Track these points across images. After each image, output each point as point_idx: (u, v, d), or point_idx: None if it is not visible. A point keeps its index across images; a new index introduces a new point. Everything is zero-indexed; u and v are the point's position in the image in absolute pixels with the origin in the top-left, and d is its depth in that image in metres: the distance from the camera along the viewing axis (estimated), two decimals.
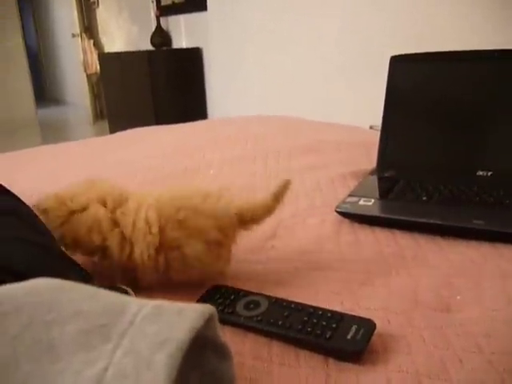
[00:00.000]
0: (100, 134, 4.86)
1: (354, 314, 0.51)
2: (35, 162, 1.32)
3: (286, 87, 2.86)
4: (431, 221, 0.71)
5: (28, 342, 0.19)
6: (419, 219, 0.72)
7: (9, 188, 0.55)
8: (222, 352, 0.23)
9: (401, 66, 1.00)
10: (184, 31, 3.88)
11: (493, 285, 0.57)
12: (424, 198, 0.79)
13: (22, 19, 6.02)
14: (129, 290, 0.45)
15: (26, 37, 6.20)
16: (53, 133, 5.59)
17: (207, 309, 0.22)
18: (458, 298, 0.55)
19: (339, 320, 0.48)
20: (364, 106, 2.38)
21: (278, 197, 0.64)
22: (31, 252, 0.40)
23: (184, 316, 0.21)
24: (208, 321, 0.22)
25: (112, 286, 0.46)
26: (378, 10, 2.20)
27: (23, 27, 6.09)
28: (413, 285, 0.58)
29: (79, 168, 1.18)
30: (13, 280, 0.32)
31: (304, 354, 0.47)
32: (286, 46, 2.79)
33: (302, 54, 2.70)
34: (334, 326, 0.48)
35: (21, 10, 6.02)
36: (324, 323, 0.48)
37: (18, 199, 0.53)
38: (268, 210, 0.63)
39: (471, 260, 0.63)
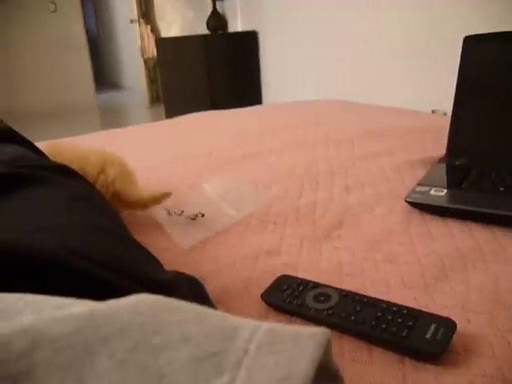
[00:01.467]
0: (156, 117, 4.95)
1: (430, 311, 0.48)
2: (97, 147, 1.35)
3: (343, 71, 2.79)
4: (510, 213, 0.66)
5: (135, 368, 0.17)
6: (497, 211, 0.68)
7: None
8: (334, 379, 0.21)
9: (475, 46, 0.94)
10: (240, 15, 3.85)
11: None
12: (501, 189, 0.74)
13: (82, 7, 6.19)
14: (199, 278, 0.45)
15: (86, 23, 6.38)
16: (111, 116, 5.75)
17: (324, 335, 0.20)
18: None
19: (416, 318, 0.46)
20: (425, 90, 2.28)
21: (155, 200, 0.75)
22: (107, 238, 0.40)
23: (302, 345, 0.19)
24: (326, 347, 0.20)
25: (182, 274, 0.45)
26: None
27: (84, 14, 6.27)
28: (492, 282, 0.54)
29: (139, 154, 1.19)
30: (86, 265, 0.32)
31: (377, 352, 0.45)
32: (343, 29, 2.71)
33: (360, 36, 2.61)
34: (410, 323, 0.45)
35: None
36: (400, 320, 0.46)
37: (90, 184, 0.53)
38: (140, 204, 0.74)
39: None
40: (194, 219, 0.72)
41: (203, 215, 0.73)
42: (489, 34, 0.93)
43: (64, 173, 0.52)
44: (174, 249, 0.67)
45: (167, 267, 0.57)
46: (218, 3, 3.98)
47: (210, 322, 0.20)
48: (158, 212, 0.75)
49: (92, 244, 0.37)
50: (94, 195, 0.51)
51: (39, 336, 0.17)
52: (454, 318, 0.47)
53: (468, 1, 2.00)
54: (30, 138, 0.70)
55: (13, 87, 5.84)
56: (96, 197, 0.51)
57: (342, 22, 2.71)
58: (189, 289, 0.41)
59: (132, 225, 0.71)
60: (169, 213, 0.74)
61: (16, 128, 0.67)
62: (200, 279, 0.45)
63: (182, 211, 0.75)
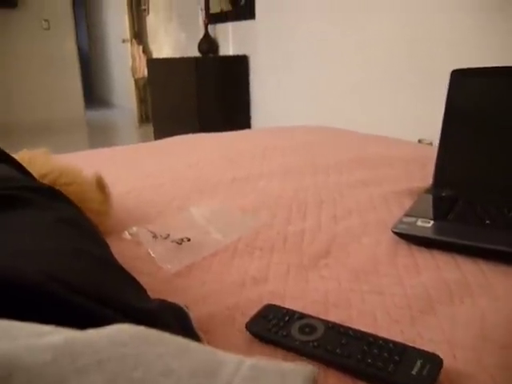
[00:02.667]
0: (145, 137, 4.95)
1: (416, 345, 0.47)
2: (85, 165, 1.33)
3: (331, 98, 2.83)
4: (497, 247, 0.67)
5: None
6: (482, 244, 0.68)
7: None
8: None
9: (462, 80, 0.96)
10: (231, 39, 3.90)
11: None
12: (487, 222, 0.74)
13: (75, 25, 6.23)
14: (184, 307, 0.43)
15: (78, 41, 6.41)
16: (99, 134, 5.73)
17: (310, 371, 0.19)
18: None
19: (402, 352, 0.45)
20: (411, 119, 2.32)
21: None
22: (90, 264, 0.39)
23: (288, 382, 0.18)
24: None
25: (166, 303, 0.44)
26: (434, 22, 2.14)
27: (76, 32, 6.30)
28: (479, 317, 0.54)
29: (126, 175, 1.18)
30: (64, 291, 0.31)
31: None
32: (333, 57, 2.76)
33: (349, 65, 2.66)
34: (396, 358, 0.45)
35: (75, 15, 6.23)
36: (386, 355, 0.45)
37: (77, 207, 0.52)
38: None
39: None
40: (180, 243, 0.71)
41: (189, 239, 0.72)
42: (475, 69, 0.95)
43: (51, 195, 0.51)
44: (158, 273, 0.66)
45: (151, 292, 0.55)
46: (210, 27, 4.03)
47: (193, 355, 0.19)
48: (143, 235, 0.74)
49: (73, 270, 0.36)
50: (80, 219, 0.50)
51: (14, 364, 0.17)
52: (440, 353, 0.46)
53: (456, 33, 2.05)
54: (16, 153, 0.69)
55: (3, 101, 5.81)
56: (83, 220, 0.50)
57: (331, 50, 2.76)
58: (173, 318, 0.39)
59: (116, 248, 0.70)
60: (154, 236, 0.73)
61: (3, 142, 0.66)
62: (184, 307, 0.44)
63: (168, 235, 0.74)
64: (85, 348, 0.18)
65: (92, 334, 0.19)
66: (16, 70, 5.81)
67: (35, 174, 0.67)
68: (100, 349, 0.18)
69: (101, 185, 0.84)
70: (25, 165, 0.66)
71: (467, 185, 0.90)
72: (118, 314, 0.33)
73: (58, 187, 0.69)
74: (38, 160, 0.79)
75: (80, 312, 0.30)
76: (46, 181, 0.71)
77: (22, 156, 0.76)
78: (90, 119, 6.43)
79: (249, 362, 0.19)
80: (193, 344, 0.20)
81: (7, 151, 0.66)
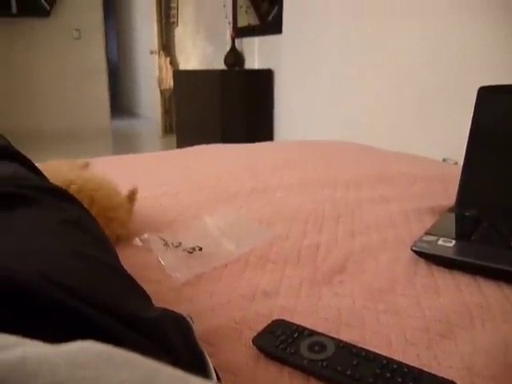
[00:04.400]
0: (167, 147, 4.98)
1: (432, 371, 0.45)
2: (105, 170, 1.34)
3: (355, 114, 2.80)
4: None
5: None
6: (508, 267, 0.64)
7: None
8: None
9: (489, 97, 0.93)
10: (257, 52, 3.92)
11: None
12: None
13: (105, 35, 6.36)
14: (187, 317, 0.42)
15: (108, 51, 6.54)
16: (124, 143, 5.80)
17: None
18: None
19: (417, 378, 0.43)
20: (437, 138, 2.27)
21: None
22: (90, 268, 0.37)
23: None
24: None
25: (170, 312, 0.42)
26: (462, 39, 2.11)
27: (106, 43, 6.43)
28: (502, 343, 0.51)
29: (144, 181, 1.18)
30: (60, 294, 0.29)
31: None
32: (358, 73, 2.74)
33: (374, 81, 2.63)
34: None
35: (105, 26, 6.37)
36: (400, 380, 0.42)
37: (86, 209, 0.51)
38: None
39: None
40: (191, 252, 0.69)
41: (201, 249, 0.70)
42: (503, 86, 0.92)
43: (58, 195, 0.50)
44: (166, 282, 0.64)
45: (158, 301, 0.54)
46: (236, 41, 4.06)
47: (160, 381, 0.17)
48: (154, 242, 0.72)
49: (70, 272, 0.34)
50: (87, 221, 0.49)
51: None
52: (458, 380, 0.43)
53: (484, 50, 2.02)
54: (41, 159, 0.68)
55: (33, 109, 5.95)
56: (89, 223, 0.49)
57: (356, 65, 2.74)
58: (174, 328, 0.38)
59: (126, 254, 0.69)
60: (165, 244, 0.71)
61: (30, 148, 0.66)
62: (188, 317, 0.43)
63: (180, 243, 0.72)
64: (39, 368, 0.16)
65: (49, 352, 0.17)
66: (46, 78, 5.95)
67: (61, 181, 0.67)
68: (57, 370, 0.16)
69: (132, 197, 0.85)
70: (50, 172, 0.67)
71: (491, 205, 0.87)
72: (116, 320, 0.32)
73: (84, 193, 0.69)
74: (64, 167, 0.80)
75: (74, 316, 0.29)
76: (72, 187, 0.72)
77: (49, 164, 0.78)
78: (115, 128, 6.52)
79: None
80: (166, 370, 0.18)
81: (34, 157, 0.66)
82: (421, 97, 2.36)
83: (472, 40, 2.06)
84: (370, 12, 2.59)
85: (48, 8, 5.74)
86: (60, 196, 0.50)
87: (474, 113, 0.93)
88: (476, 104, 0.93)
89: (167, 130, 6.06)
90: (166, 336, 0.35)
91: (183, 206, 0.95)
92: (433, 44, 2.25)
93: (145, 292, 0.44)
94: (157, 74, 6.08)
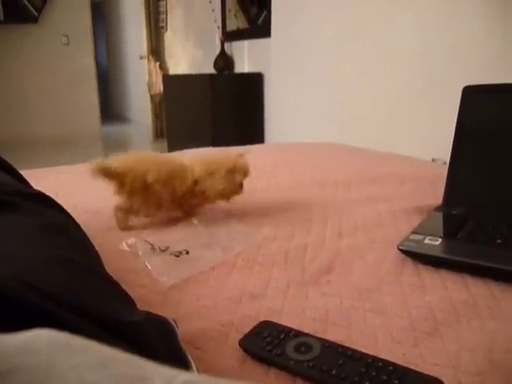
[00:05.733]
0: (159, 151, 4.97)
1: (418, 369, 0.45)
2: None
3: (345, 116, 2.81)
4: (508, 267, 0.63)
5: None
6: (493, 264, 0.65)
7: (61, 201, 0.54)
8: None
9: (474, 97, 0.93)
10: (247, 56, 3.93)
11: None
12: (498, 241, 0.71)
13: (95, 40, 6.35)
14: (171, 320, 0.41)
15: (97, 57, 6.53)
16: (114, 148, 5.78)
17: None
18: None
19: (402, 376, 0.43)
20: (426, 138, 2.28)
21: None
22: (70, 272, 0.37)
23: None
24: None
25: (153, 315, 0.42)
26: (448, 41, 2.12)
27: (95, 48, 6.42)
28: (487, 341, 0.51)
29: None
30: (39, 299, 0.29)
31: None
32: (347, 75, 2.75)
33: (363, 83, 2.64)
34: (396, 382, 0.42)
35: (94, 32, 6.36)
36: (385, 378, 0.42)
37: (69, 215, 0.51)
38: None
39: None
40: (178, 256, 0.69)
41: (188, 252, 0.70)
42: (488, 85, 0.92)
43: (41, 201, 0.50)
44: (153, 286, 0.64)
45: (144, 305, 0.53)
46: (226, 44, 4.07)
47: (114, 369, 0.17)
48: (141, 247, 0.72)
49: (50, 277, 0.34)
50: (69, 226, 0.49)
51: None
52: (443, 378, 0.43)
53: (470, 51, 2.03)
54: (31, 165, 0.68)
55: (23, 115, 5.92)
56: (71, 228, 0.49)
57: (346, 69, 2.75)
58: (157, 332, 0.37)
59: (112, 259, 0.68)
60: (152, 248, 0.71)
61: (20, 154, 0.66)
62: (172, 321, 0.42)
63: (167, 247, 0.72)
64: None
65: (6, 339, 0.17)
66: (35, 84, 5.92)
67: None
68: (9, 357, 0.16)
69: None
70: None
71: (478, 203, 0.87)
72: (97, 324, 0.32)
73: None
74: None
75: (50, 320, 0.28)
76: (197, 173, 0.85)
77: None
78: (105, 134, 6.50)
79: (182, 377, 0.17)
80: (121, 356, 0.17)
81: (23, 163, 0.65)
82: (410, 97, 2.37)
83: (459, 40, 2.08)
84: (357, 15, 2.61)
85: (36, 14, 5.72)
86: (43, 201, 0.50)
87: (459, 112, 0.94)
88: (461, 103, 0.94)
89: (158, 134, 6.06)
90: (147, 339, 0.35)
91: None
92: (421, 45, 2.27)
93: (128, 296, 0.44)
94: (146, 78, 6.07)
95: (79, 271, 0.39)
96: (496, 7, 1.90)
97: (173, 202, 0.86)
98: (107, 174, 0.81)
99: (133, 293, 0.54)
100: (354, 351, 0.47)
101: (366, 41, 2.57)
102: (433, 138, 2.22)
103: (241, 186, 0.91)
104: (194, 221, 0.88)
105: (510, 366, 0.47)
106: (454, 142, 0.93)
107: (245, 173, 0.90)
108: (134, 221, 0.87)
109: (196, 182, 0.86)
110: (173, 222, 0.89)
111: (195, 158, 0.91)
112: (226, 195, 0.90)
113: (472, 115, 0.93)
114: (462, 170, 0.92)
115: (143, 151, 0.97)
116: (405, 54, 2.36)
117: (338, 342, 0.49)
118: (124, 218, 0.85)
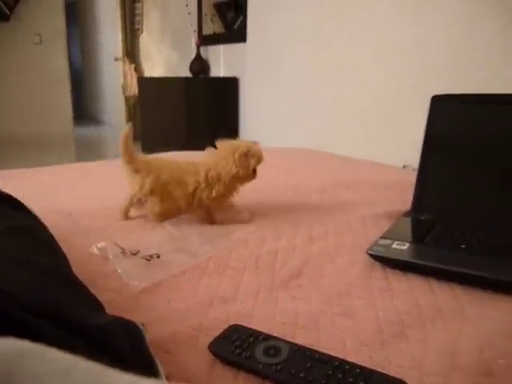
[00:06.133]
0: None
1: (384, 371, 0.46)
2: (67, 177, 1.32)
3: (319, 121, 2.84)
4: (471, 272, 0.65)
5: None
6: (458, 269, 0.67)
7: (28, 204, 0.53)
8: None
9: (442, 105, 0.96)
10: (223, 60, 3.93)
11: None
12: (463, 246, 0.74)
13: (68, 41, 6.25)
14: (139, 324, 0.41)
15: (71, 57, 6.43)
16: (87, 150, 5.70)
17: None
18: (501, 362, 0.50)
19: (368, 378, 0.44)
20: (398, 145, 2.33)
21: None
22: (34, 275, 0.37)
23: None
24: None
25: (120, 319, 0.42)
26: (418, 50, 2.17)
27: (69, 48, 6.32)
28: (451, 342, 0.52)
29: (107, 189, 1.17)
30: (10, 304, 0.29)
31: None
32: (321, 81, 2.78)
33: (337, 89, 2.68)
34: None
35: (68, 32, 6.26)
36: (351, 380, 0.43)
37: (36, 218, 0.50)
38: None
39: None
40: (149, 260, 0.69)
41: (159, 256, 0.70)
42: (455, 95, 0.95)
43: (9, 204, 0.49)
44: (123, 290, 0.63)
45: (114, 309, 0.53)
46: (202, 48, 4.07)
47: (77, 378, 0.17)
48: (112, 250, 0.72)
49: (13, 279, 0.34)
50: (35, 228, 0.48)
51: None
52: (408, 379, 0.45)
53: (439, 61, 2.09)
54: (1, 166, 0.67)
55: None
56: (37, 230, 0.48)
57: (319, 74, 2.79)
58: (125, 335, 0.37)
59: (82, 262, 0.68)
60: (123, 251, 0.71)
61: None
62: (141, 325, 0.42)
63: (138, 251, 0.72)
64: None
65: None
66: (6, 83, 5.79)
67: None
68: None
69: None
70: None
71: (445, 209, 0.90)
72: (63, 328, 0.31)
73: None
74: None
75: (10, 322, 0.28)
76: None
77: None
78: (78, 135, 6.40)
79: None
80: (82, 364, 0.17)
81: None
82: (383, 105, 2.42)
83: (429, 51, 2.13)
84: (331, 22, 2.64)
85: (8, 12, 5.60)
86: (9, 204, 0.49)
87: (428, 120, 0.96)
88: (429, 112, 0.96)
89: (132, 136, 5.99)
90: (114, 344, 0.35)
91: (142, 215, 0.95)
92: (392, 54, 2.31)
93: (96, 299, 0.44)
94: (121, 80, 6.01)
95: (44, 273, 0.38)
96: (462, 22, 1.96)
97: (187, 199, 0.88)
98: (135, 168, 0.90)
99: (102, 296, 0.54)
100: (322, 354, 0.47)
101: (341, 49, 2.61)
102: (404, 145, 2.27)
103: (254, 171, 0.92)
104: (167, 224, 0.88)
105: (472, 367, 0.48)
106: (423, 149, 0.96)
107: (258, 159, 0.92)
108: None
109: (208, 171, 0.88)
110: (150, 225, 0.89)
111: (209, 150, 0.94)
112: (240, 179, 0.91)
113: (440, 123, 0.96)
114: (430, 176, 0.95)
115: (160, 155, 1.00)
116: (378, 64, 2.41)
117: (307, 346, 0.50)
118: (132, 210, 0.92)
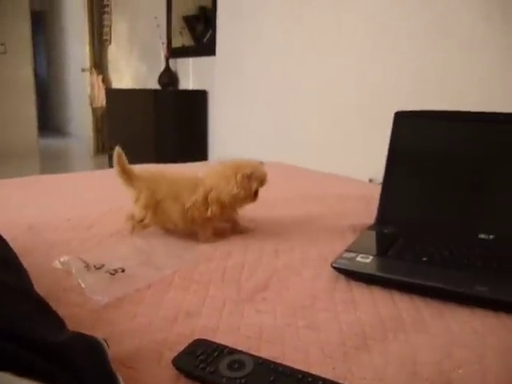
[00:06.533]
0: (99, 166, 4.85)
1: (346, 383, 0.46)
2: (31, 190, 1.29)
3: (287, 135, 2.87)
4: (431, 284, 0.67)
5: None
6: (419, 281, 0.68)
7: None
8: None
9: (405, 121, 0.99)
10: (192, 73, 3.94)
11: (497, 360, 0.53)
12: (424, 259, 0.76)
13: (34, 51, 6.13)
14: (101, 340, 0.41)
15: (37, 68, 6.30)
16: (52, 162, 5.58)
17: None
18: (460, 371, 0.51)
19: None
20: (364, 159, 2.37)
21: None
22: (2, 294, 0.36)
23: None
24: None
25: (82, 335, 0.42)
26: (383, 66, 2.23)
27: (35, 59, 6.19)
28: (411, 353, 0.54)
29: (74, 201, 1.15)
30: None
31: None
32: (288, 96, 2.82)
33: (305, 103, 2.72)
34: None
35: (34, 42, 6.14)
36: None
37: None
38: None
39: (474, 330, 0.59)
40: (114, 274, 0.68)
41: (123, 270, 0.69)
42: (417, 112, 0.99)
43: None
44: (86, 305, 0.62)
45: (76, 325, 0.52)
46: (171, 61, 4.06)
47: None
48: (75, 265, 0.70)
49: None
50: None
51: None
52: None
53: (403, 78, 2.15)
54: None
55: None
56: (1, 249, 0.47)
57: (287, 89, 2.82)
58: (86, 352, 0.37)
59: (44, 277, 0.66)
60: (86, 266, 0.69)
61: None
62: (103, 341, 0.42)
63: (103, 265, 0.71)
64: None
65: None
66: None
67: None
68: None
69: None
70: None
71: (408, 223, 0.92)
72: (22, 346, 0.31)
73: None
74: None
75: None
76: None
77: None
78: (43, 147, 6.26)
79: None
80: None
81: None
82: (349, 120, 2.46)
83: (391, 68, 2.19)
84: (300, 37, 2.69)
85: None
86: None
87: (391, 135, 0.99)
88: (393, 127, 0.99)
89: (99, 149, 5.90)
90: (75, 360, 0.34)
91: (112, 228, 0.93)
92: (359, 69, 2.37)
93: (57, 315, 0.43)
94: (88, 91, 5.93)
95: (4, 290, 0.37)
96: (430, 38, 2.03)
97: (183, 216, 0.87)
98: (129, 180, 0.91)
99: (65, 312, 0.53)
100: (286, 367, 0.48)
101: (309, 63, 2.66)
102: (370, 159, 2.32)
103: (256, 193, 0.92)
104: (134, 239, 0.87)
105: (432, 377, 0.50)
106: (387, 164, 0.98)
107: (261, 181, 0.92)
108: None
109: (208, 192, 0.87)
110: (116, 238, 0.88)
111: (213, 167, 0.93)
112: (240, 200, 0.90)
113: (403, 139, 0.98)
114: (393, 190, 0.97)
115: (158, 168, 1.01)
116: (345, 78, 2.46)
117: (271, 359, 0.50)
118: (133, 226, 0.90)
